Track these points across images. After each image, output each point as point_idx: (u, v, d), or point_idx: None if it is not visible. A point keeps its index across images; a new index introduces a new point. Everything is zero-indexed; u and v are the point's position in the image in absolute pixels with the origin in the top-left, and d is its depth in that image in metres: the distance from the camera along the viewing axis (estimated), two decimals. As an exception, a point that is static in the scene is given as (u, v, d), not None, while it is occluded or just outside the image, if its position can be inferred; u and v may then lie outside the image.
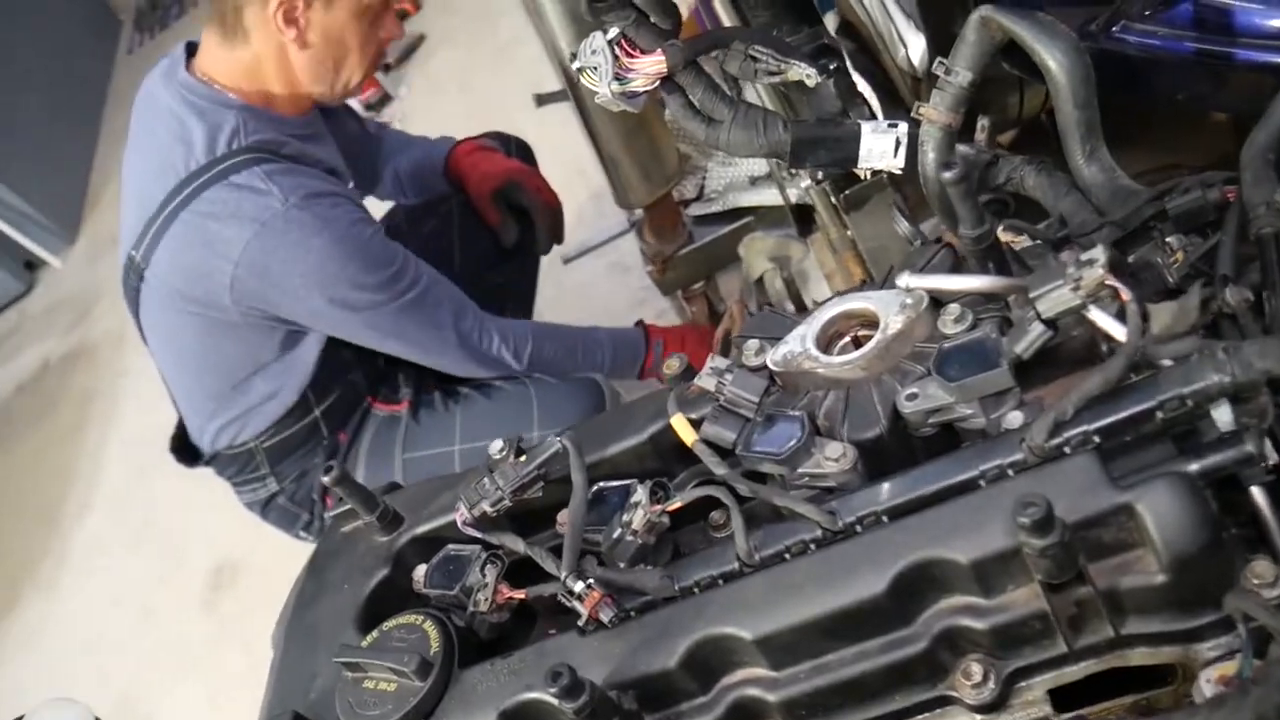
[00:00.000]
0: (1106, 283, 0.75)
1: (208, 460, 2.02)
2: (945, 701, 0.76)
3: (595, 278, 3.11)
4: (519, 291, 2.42)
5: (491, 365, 1.96)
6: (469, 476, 1.02)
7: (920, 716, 0.78)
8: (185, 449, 2.06)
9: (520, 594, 0.88)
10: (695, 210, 2.59)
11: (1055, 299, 0.77)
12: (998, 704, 0.74)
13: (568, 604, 0.83)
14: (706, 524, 0.92)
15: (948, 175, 0.83)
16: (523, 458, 0.93)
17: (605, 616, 0.80)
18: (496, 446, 0.94)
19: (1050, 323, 0.78)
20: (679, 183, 2.47)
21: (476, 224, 2.28)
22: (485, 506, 0.91)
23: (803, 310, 2.19)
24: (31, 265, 5.11)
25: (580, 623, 0.82)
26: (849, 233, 1.93)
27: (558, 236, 2.40)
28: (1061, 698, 0.76)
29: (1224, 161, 1.38)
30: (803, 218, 2.24)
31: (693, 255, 2.55)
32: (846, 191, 1.75)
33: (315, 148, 1.89)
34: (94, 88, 5.92)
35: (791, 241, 2.30)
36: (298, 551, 2.07)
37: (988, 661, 0.74)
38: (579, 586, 0.81)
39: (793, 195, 2.20)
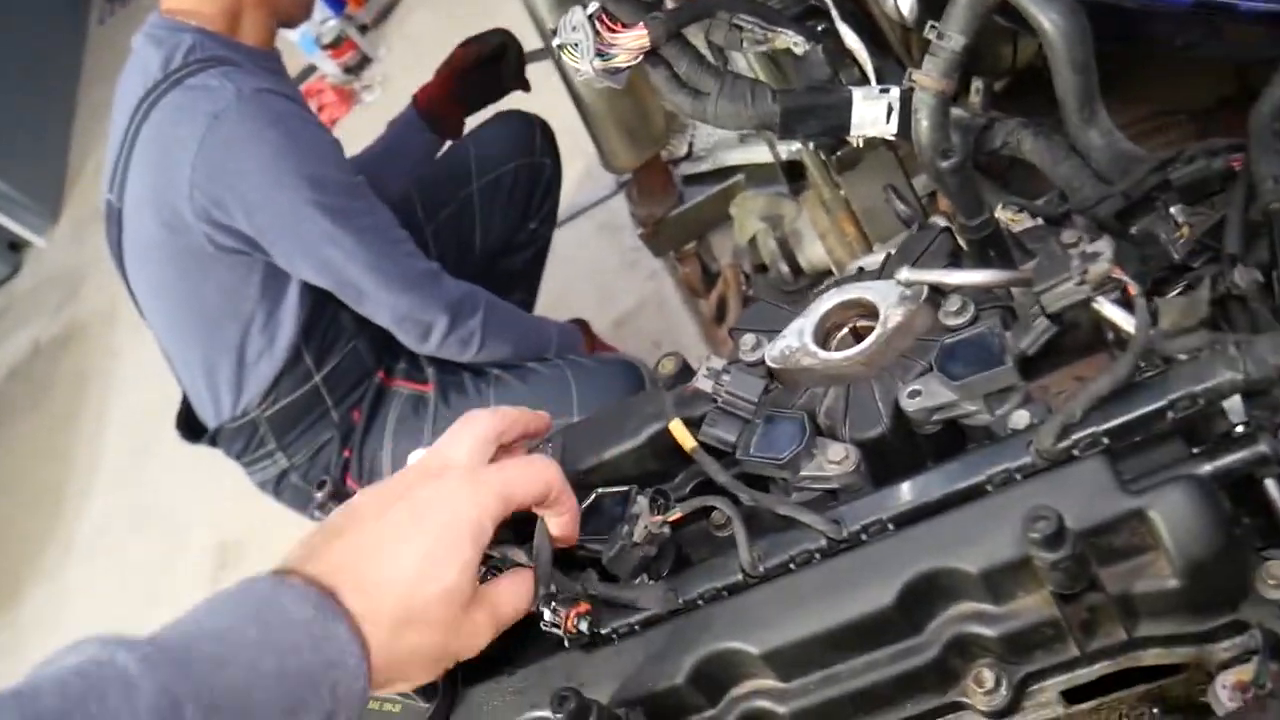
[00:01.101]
0: (1113, 275, 0.73)
1: (213, 436, 1.99)
2: (957, 708, 0.75)
3: (585, 239, 3.08)
4: (528, 278, 2.40)
5: (450, 312, 1.88)
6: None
7: (932, 723, 0.77)
8: (191, 426, 2.04)
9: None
10: (684, 170, 2.54)
11: (1060, 293, 0.75)
12: (1010, 709, 0.73)
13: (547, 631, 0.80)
14: (709, 523, 0.90)
15: (944, 165, 0.80)
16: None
17: (583, 626, 0.78)
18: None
19: (1055, 317, 0.76)
20: (667, 144, 2.43)
21: (494, 210, 2.26)
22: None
23: (798, 272, 2.17)
24: (16, 246, 5.07)
25: (565, 645, 0.81)
26: (842, 193, 1.90)
27: (523, 78, 2.38)
28: (1073, 692, 0.75)
29: (1223, 106, 1.36)
30: (794, 174, 2.20)
31: (683, 216, 2.50)
32: (838, 152, 1.71)
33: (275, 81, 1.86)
34: (67, 61, 5.81)
35: (783, 200, 2.26)
36: (303, 526, 2.07)
37: (999, 667, 0.73)
38: (547, 614, 0.78)
39: (783, 152, 2.16)
